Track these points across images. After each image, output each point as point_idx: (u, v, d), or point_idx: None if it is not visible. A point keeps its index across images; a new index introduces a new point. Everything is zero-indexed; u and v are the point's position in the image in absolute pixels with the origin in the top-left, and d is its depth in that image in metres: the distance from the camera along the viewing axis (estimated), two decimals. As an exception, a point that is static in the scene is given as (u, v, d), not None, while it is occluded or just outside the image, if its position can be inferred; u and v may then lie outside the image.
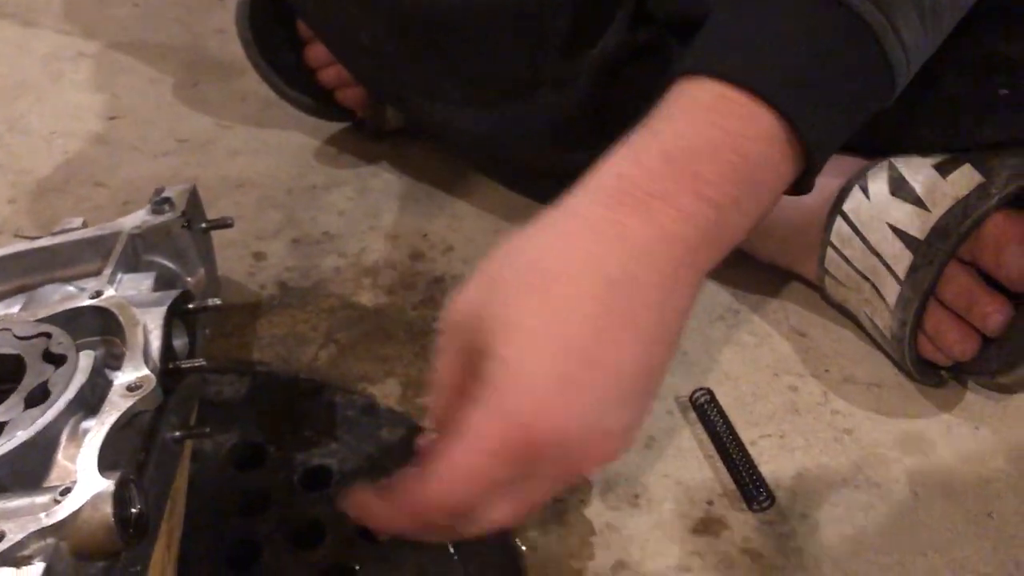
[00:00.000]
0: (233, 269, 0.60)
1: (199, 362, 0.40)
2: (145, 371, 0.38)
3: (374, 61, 0.65)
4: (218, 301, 0.43)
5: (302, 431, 0.50)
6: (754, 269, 0.60)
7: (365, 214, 0.66)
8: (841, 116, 0.37)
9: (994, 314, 0.47)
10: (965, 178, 0.48)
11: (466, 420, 0.32)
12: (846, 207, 0.52)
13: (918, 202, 0.49)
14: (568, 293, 0.33)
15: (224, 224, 0.50)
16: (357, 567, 0.44)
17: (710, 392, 0.51)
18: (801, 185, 0.38)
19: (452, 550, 0.44)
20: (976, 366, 0.49)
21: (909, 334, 0.50)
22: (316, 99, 0.72)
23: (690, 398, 0.51)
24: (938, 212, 0.48)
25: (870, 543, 0.45)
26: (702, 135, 0.35)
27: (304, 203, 0.67)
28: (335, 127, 0.74)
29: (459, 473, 0.32)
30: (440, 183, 0.69)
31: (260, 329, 0.56)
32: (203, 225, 0.50)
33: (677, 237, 0.34)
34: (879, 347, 0.54)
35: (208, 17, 0.92)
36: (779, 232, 0.56)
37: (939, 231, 0.48)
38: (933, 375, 0.52)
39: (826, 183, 0.54)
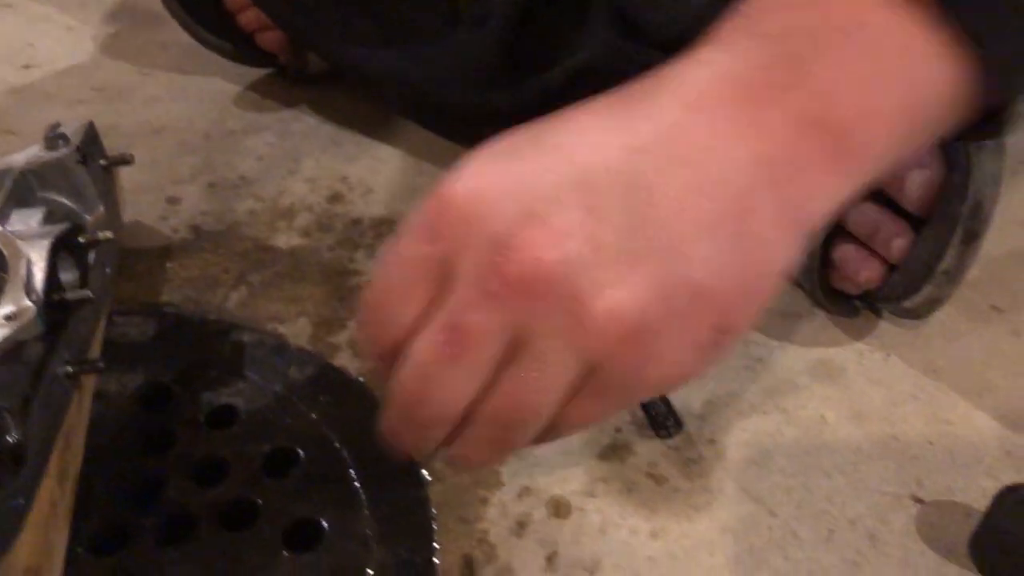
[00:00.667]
0: (146, 213, 0.59)
1: (85, 293, 0.39)
2: (26, 302, 0.37)
3: (290, 2, 0.64)
4: (110, 234, 0.42)
5: (209, 371, 0.49)
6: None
7: (284, 158, 0.65)
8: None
9: (896, 239, 0.47)
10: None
11: None
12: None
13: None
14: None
15: (124, 161, 0.49)
16: (260, 502, 0.43)
17: (623, 325, 0.51)
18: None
19: (357, 482, 0.44)
20: (883, 292, 0.49)
21: (818, 265, 0.50)
22: (235, 44, 0.70)
23: (603, 331, 0.51)
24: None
25: (775, 466, 0.45)
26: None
27: (222, 148, 0.66)
28: (257, 73, 0.73)
29: (383, 261, 0.30)
30: (363, 127, 0.68)
31: (170, 272, 0.55)
32: (101, 162, 0.48)
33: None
34: (796, 281, 0.54)
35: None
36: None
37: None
38: (846, 305, 0.52)
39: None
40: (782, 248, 0.28)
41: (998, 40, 0.28)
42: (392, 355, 0.30)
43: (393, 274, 0.30)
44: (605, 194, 0.27)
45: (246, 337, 0.51)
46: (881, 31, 0.28)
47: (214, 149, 0.66)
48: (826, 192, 0.28)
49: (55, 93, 0.71)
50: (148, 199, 0.60)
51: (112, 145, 0.53)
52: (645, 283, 0.26)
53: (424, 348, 0.28)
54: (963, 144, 0.45)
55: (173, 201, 0.60)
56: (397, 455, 0.32)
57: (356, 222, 0.59)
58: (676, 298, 0.27)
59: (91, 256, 0.45)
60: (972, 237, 0.44)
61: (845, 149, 0.28)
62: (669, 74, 0.29)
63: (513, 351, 0.28)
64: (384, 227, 0.59)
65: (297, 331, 0.51)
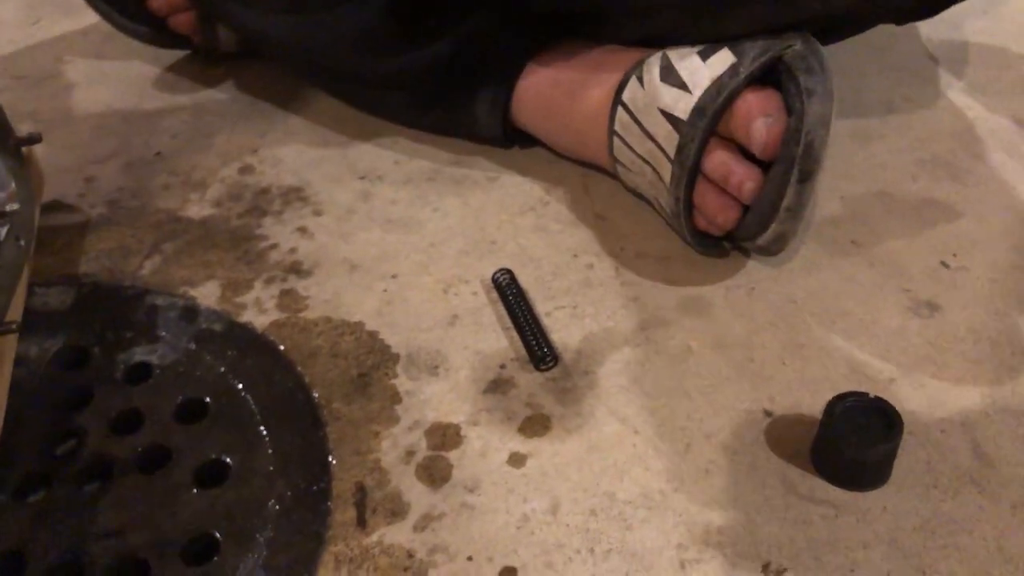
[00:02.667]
0: (64, 193, 0.62)
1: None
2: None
3: None
4: (16, 206, 0.45)
5: (125, 333, 0.53)
6: (564, 165, 0.65)
7: (198, 135, 0.68)
8: None
9: (746, 181, 0.51)
10: (721, 60, 0.52)
11: None
12: (624, 96, 0.56)
13: (682, 86, 0.53)
14: None
15: (32, 140, 0.53)
16: (172, 446, 0.47)
17: (510, 272, 0.55)
18: None
19: (261, 426, 0.48)
20: (741, 232, 0.54)
21: (683, 209, 0.55)
22: (150, 27, 0.73)
23: (492, 278, 0.55)
24: (697, 93, 0.52)
25: (642, 390, 0.50)
26: None
27: (139, 129, 0.69)
28: (173, 55, 0.76)
29: None
30: (273, 102, 0.71)
31: (88, 245, 0.58)
32: (11, 142, 0.52)
33: None
34: (670, 226, 0.59)
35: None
36: (574, 126, 0.60)
37: (698, 110, 0.52)
38: (715, 246, 0.57)
39: (610, 77, 0.58)
40: None
41: None
42: None
43: None
44: None
45: (159, 301, 0.55)
46: None
47: (131, 130, 0.69)
48: None
49: (-24, 83, 0.74)
50: (66, 179, 0.64)
51: (32, 130, 0.56)
52: None
53: None
54: (796, 91, 0.49)
55: (91, 180, 0.64)
56: None
57: (265, 191, 0.63)
58: None
59: (3, 231, 0.48)
60: (807, 176, 0.49)
61: None
62: None
63: None
64: (292, 195, 0.62)
65: (207, 293, 0.55)
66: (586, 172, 0.64)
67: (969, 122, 0.69)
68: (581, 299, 0.55)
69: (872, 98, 0.71)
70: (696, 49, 0.54)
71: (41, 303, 0.54)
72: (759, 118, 0.50)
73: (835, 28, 0.58)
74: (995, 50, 0.77)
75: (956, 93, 0.72)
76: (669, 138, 0.53)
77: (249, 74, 0.74)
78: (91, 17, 0.77)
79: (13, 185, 0.52)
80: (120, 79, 0.75)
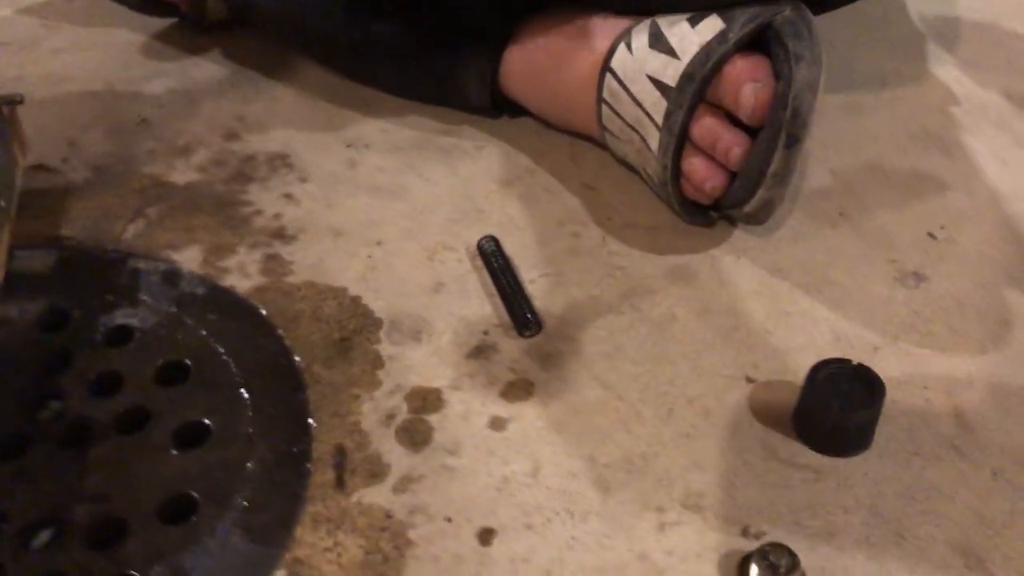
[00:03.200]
0: (48, 157, 0.62)
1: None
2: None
3: None
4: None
5: (107, 296, 0.52)
6: (552, 135, 0.64)
7: (184, 102, 0.68)
8: None
9: (734, 147, 0.51)
10: (710, 27, 0.52)
11: None
12: (613, 63, 0.56)
13: (671, 52, 0.53)
14: None
15: (13, 100, 0.52)
16: (152, 410, 0.47)
17: (495, 239, 0.55)
18: None
19: (242, 388, 0.48)
20: (728, 200, 0.54)
21: (671, 177, 0.54)
22: (137, -4, 0.73)
23: (477, 245, 0.55)
24: (686, 59, 0.52)
25: (625, 356, 0.49)
26: None
27: (124, 95, 0.68)
28: (160, 23, 0.75)
29: None
30: (260, 70, 0.71)
31: (71, 209, 0.58)
32: (-9, 103, 0.51)
33: None
34: (658, 195, 0.58)
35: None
36: (563, 94, 0.60)
37: (687, 76, 0.52)
38: (702, 215, 0.57)
39: (599, 44, 0.57)
40: None
41: None
42: None
43: None
44: None
45: (142, 264, 0.54)
46: None
47: (117, 95, 0.68)
48: None
49: (-39, 48, 0.74)
50: (51, 143, 0.63)
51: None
52: None
53: None
54: (785, 56, 0.49)
55: (75, 144, 0.63)
56: None
57: (251, 157, 0.62)
58: None
59: (-17, 189, 0.48)
60: (794, 141, 0.49)
61: None
62: None
63: None
64: (278, 161, 0.62)
65: (190, 257, 0.55)
66: (574, 142, 0.63)
67: (960, 97, 0.69)
68: (566, 267, 0.55)
69: (864, 72, 0.71)
70: (685, 16, 0.54)
71: (23, 266, 0.54)
72: (748, 83, 0.50)
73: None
74: (987, 26, 0.76)
75: (948, 68, 0.72)
76: (657, 105, 0.53)
77: (237, 43, 0.73)
78: (78, -16, 0.76)
79: (11, 175, 0.51)
80: (106, 46, 0.74)
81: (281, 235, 0.56)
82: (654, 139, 0.54)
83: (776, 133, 0.49)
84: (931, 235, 0.57)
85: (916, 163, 0.63)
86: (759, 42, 0.51)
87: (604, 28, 0.57)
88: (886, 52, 0.73)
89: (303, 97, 0.68)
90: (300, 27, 0.64)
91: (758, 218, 0.54)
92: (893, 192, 0.60)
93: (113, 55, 0.73)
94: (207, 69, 0.71)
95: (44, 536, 0.42)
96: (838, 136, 0.65)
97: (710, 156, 0.53)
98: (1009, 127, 0.66)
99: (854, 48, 0.74)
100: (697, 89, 0.51)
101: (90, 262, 0.55)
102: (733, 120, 0.52)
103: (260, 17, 0.68)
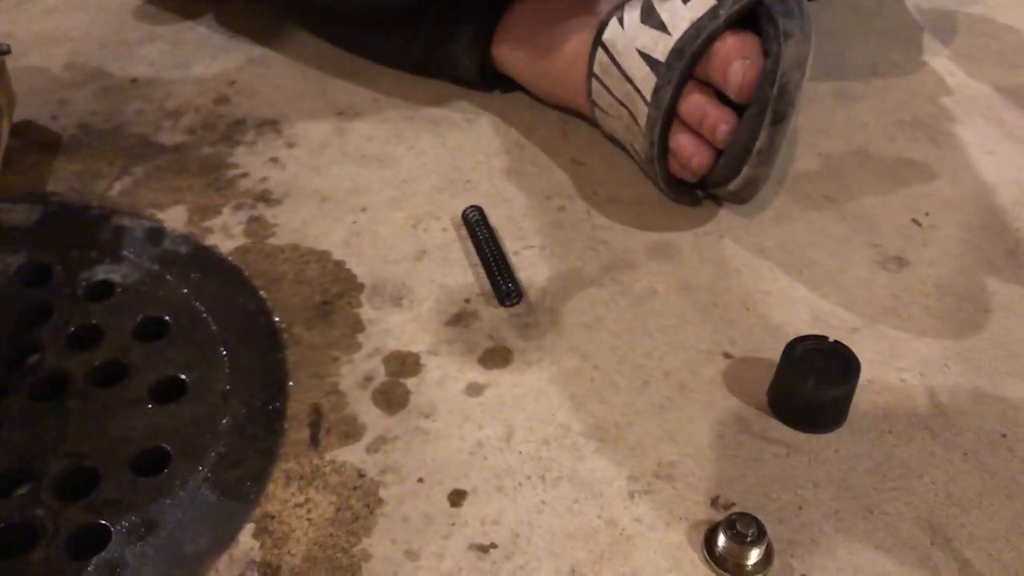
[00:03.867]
0: (37, 114, 0.62)
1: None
2: None
3: None
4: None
5: (89, 252, 0.52)
6: (543, 110, 0.64)
7: (175, 65, 0.67)
8: None
9: (721, 124, 0.51)
10: (701, 3, 0.52)
11: None
12: (605, 37, 0.56)
13: (662, 27, 0.53)
14: None
15: (2, 51, 0.52)
16: (129, 365, 0.47)
17: (480, 209, 0.55)
18: None
19: (221, 347, 0.48)
20: (714, 177, 0.54)
21: (657, 153, 0.54)
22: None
23: (462, 214, 0.55)
24: (676, 34, 0.52)
25: (604, 328, 0.49)
26: None
27: (115, 56, 0.68)
28: (155, -13, 0.75)
29: None
30: (253, 37, 0.70)
31: (57, 165, 0.58)
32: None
33: None
34: (645, 172, 0.58)
35: None
36: (555, 69, 0.60)
37: (676, 52, 0.52)
38: (687, 193, 0.57)
39: (590, 20, 0.57)
40: None
41: None
42: None
43: None
44: None
45: (126, 222, 0.54)
46: None
47: (108, 56, 0.68)
48: None
49: (-46, 4, 0.73)
50: (40, 101, 0.63)
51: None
52: None
53: None
54: (775, 33, 0.49)
55: (64, 103, 0.63)
56: None
57: (239, 122, 0.62)
58: None
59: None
60: (780, 118, 0.49)
61: None
62: None
63: None
64: (266, 127, 0.62)
65: (174, 217, 0.55)
66: (565, 118, 0.63)
67: (951, 88, 0.69)
68: (550, 240, 0.55)
69: (857, 61, 0.71)
70: (677, -6, 0.54)
71: (6, 219, 0.54)
72: (737, 60, 0.50)
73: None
74: (981, 19, 0.76)
75: (940, 59, 0.72)
76: (647, 80, 0.53)
77: (231, 9, 0.73)
78: (74, -54, 0.76)
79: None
80: (100, 7, 0.74)
81: (266, 198, 0.56)
82: (642, 115, 0.54)
83: (762, 110, 0.49)
84: (915, 221, 0.57)
85: (904, 150, 0.63)
86: (749, 19, 0.51)
87: (596, 2, 0.57)
88: (879, 41, 0.73)
89: (295, 65, 0.68)
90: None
91: (742, 196, 0.54)
92: (879, 178, 0.60)
93: (106, 17, 0.73)
94: (200, 33, 0.71)
95: (22, 490, 0.42)
96: (828, 122, 0.65)
97: (697, 133, 0.53)
98: (997, 118, 0.66)
99: (847, 36, 0.74)
100: (686, 65, 0.51)
101: (74, 217, 0.55)
102: (722, 99, 0.52)
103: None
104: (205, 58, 0.68)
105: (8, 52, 0.52)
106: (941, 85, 0.69)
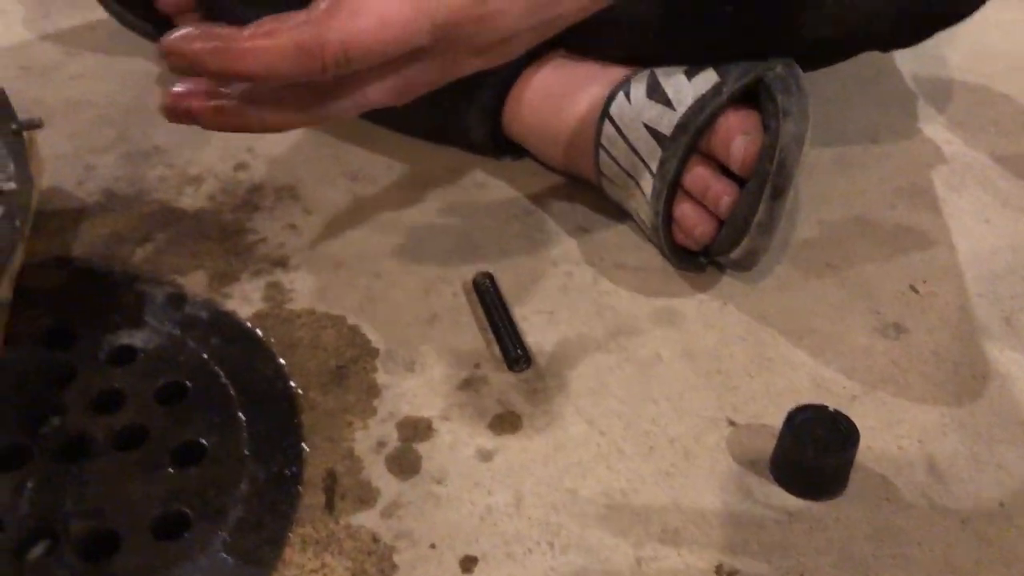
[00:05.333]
0: (63, 179, 0.64)
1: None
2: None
3: None
4: (13, 185, 0.47)
5: (112, 316, 0.54)
6: (551, 177, 0.66)
7: (197, 131, 0.69)
8: None
9: (723, 196, 0.53)
10: (705, 80, 0.54)
11: None
12: (612, 111, 0.58)
13: (667, 102, 0.55)
14: None
15: (33, 125, 0.54)
16: (150, 428, 0.48)
17: (490, 276, 0.57)
18: None
19: (239, 411, 0.49)
20: (716, 247, 0.55)
21: (663, 223, 0.56)
22: (157, 26, 0.75)
23: (472, 281, 0.57)
24: (681, 110, 0.54)
25: (610, 394, 0.51)
26: None
27: (139, 122, 0.71)
28: (177, 54, 0.78)
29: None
30: (272, 103, 0.73)
31: (82, 230, 0.60)
32: (12, 127, 0.53)
33: None
34: (650, 240, 0.60)
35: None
36: (563, 138, 0.62)
37: (681, 127, 0.54)
38: (692, 261, 0.59)
39: (598, 92, 0.60)
40: None
41: None
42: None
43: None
44: None
45: (148, 287, 0.56)
46: None
47: (132, 123, 0.70)
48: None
49: (-17, 71, 0.76)
50: (66, 167, 0.65)
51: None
52: None
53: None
54: (774, 110, 0.51)
55: (89, 168, 0.65)
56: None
57: (258, 188, 0.64)
58: None
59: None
60: (779, 192, 0.51)
61: None
62: None
63: None
64: (284, 192, 0.64)
65: (195, 282, 0.57)
66: (573, 185, 0.65)
67: (947, 156, 0.71)
68: (558, 305, 0.56)
69: (856, 128, 0.73)
70: (682, 68, 0.56)
71: (33, 283, 0.56)
72: (738, 136, 0.52)
73: (819, 56, 0.60)
74: (977, 87, 0.79)
75: (937, 127, 0.74)
76: (652, 153, 0.55)
77: (250, 75, 0.76)
78: (99, 13, 0.79)
79: (12, 167, 0.53)
80: (125, 74, 0.76)
81: (284, 264, 0.58)
82: (648, 185, 0.56)
83: (762, 184, 0.51)
84: (913, 288, 0.59)
85: (902, 218, 0.65)
86: (751, 94, 0.54)
87: (604, 76, 0.60)
88: (879, 110, 0.75)
89: (311, 130, 0.70)
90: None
91: (744, 265, 0.56)
92: (878, 245, 0.62)
93: (131, 83, 0.75)
94: (220, 100, 0.73)
95: (39, 548, 0.44)
96: (828, 189, 0.67)
97: (701, 204, 0.55)
98: (993, 186, 0.68)
99: (847, 104, 0.76)
100: (691, 139, 0.53)
101: (97, 282, 0.57)
102: (725, 171, 0.54)
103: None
104: (225, 124, 0.71)
105: (40, 126, 0.55)
106: (938, 153, 0.71)
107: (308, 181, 0.65)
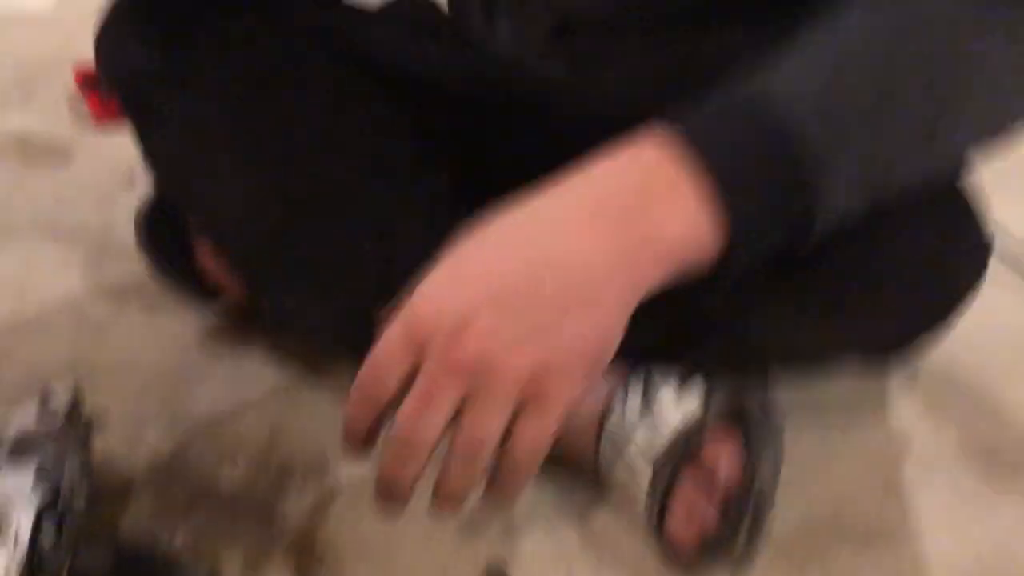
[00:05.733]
0: (112, 452, 0.71)
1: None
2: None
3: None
4: (82, 505, 0.54)
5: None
6: (550, 485, 0.71)
7: (233, 402, 0.77)
8: (761, 223, 0.46)
9: (707, 519, 0.60)
10: (690, 404, 0.62)
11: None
12: (609, 427, 0.65)
13: (655, 428, 0.63)
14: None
15: (90, 427, 0.62)
16: None
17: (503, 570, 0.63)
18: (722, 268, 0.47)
19: None
20: (702, 556, 0.62)
21: (655, 528, 0.63)
22: (202, 291, 0.84)
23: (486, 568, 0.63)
24: (669, 437, 0.62)
25: None
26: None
27: (183, 389, 0.78)
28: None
29: (372, 354, 0.45)
30: (301, 372, 0.81)
31: (128, 509, 0.66)
32: (87, 440, 0.61)
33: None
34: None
35: (121, 198, 1.05)
36: (561, 443, 0.69)
37: (669, 454, 0.61)
38: (684, 558, 0.65)
39: (594, 404, 0.67)
40: (618, 320, 0.45)
41: (739, 229, 0.45)
42: (373, 428, 0.46)
43: (381, 358, 0.45)
44: (508, 301, 0.44)
45: (189, 570, 0.62)
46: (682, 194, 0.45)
47: (177, 390, 0.78)
48: (649, 282, 0.45)
49: (43, 328, 0.84)
50: (112, 437, 0.72)
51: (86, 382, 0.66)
52: (531, 355, 0.43)
53: (410, 403, 0.44)
54: (754, 446, 0.59)
55: (133, 442, 0.72)
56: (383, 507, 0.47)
57: (287, 465, 0.71)
58: (553, 360, 0.44)
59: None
60: (757, 524, 0.58)
61: (664, 253, 0.45)
62: (555, 195, 0.46)
63: (465, 402, 0.43)
64: (312, 470, 0.71)
65: (231, 560, 0.63)
66: (575, 487, 0.71)
67: (931, 456, 0.78)
68: (558, 603, 0.62)
69: (835, 415, 0.81)
70: (673, 382, 0.64)
71: (84, 563, 0.61)
72: (724, 459, 0.60)
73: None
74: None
75: (927, 423, 0.81)
76: (643, 473, 0.62)
77: (284, 336, 0.84)
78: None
79: (78, 460, 0.60)
80: (166, 339, 0.83)
81: (310, 550, 0.64)
82: (642, 499, 0.63)
83: (740, 517, 0.58)
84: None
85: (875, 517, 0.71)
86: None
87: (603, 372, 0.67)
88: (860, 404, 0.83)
89: (339, 402, 0.78)
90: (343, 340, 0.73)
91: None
92: (853, 543, 0.68)
93: (172, 349, 0.83)
94: (255, 361, 0.81)
95: None
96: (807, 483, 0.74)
97: (689, 518, 0.62)
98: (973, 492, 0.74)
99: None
100: (675, 469, 0.61)
101: (142, 565, 0.62)
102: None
103: (310, 333, 0.78)
104: (260, 389, 0.78)
105: (99, 429, 0.62)
106: (921, 450, 0.78)
107: (336, 452, 0.71)
